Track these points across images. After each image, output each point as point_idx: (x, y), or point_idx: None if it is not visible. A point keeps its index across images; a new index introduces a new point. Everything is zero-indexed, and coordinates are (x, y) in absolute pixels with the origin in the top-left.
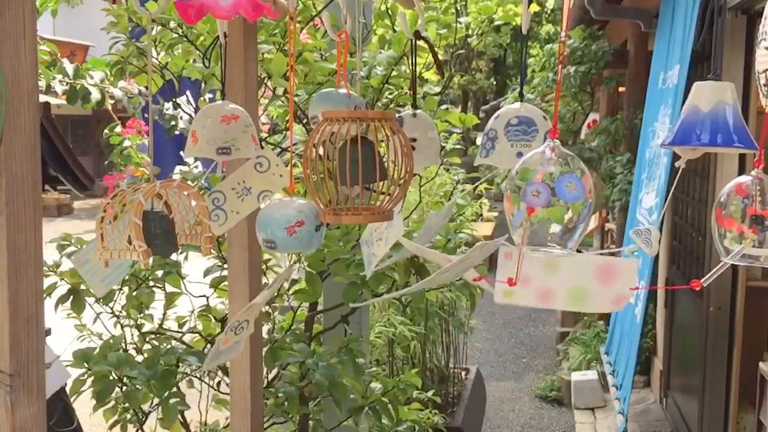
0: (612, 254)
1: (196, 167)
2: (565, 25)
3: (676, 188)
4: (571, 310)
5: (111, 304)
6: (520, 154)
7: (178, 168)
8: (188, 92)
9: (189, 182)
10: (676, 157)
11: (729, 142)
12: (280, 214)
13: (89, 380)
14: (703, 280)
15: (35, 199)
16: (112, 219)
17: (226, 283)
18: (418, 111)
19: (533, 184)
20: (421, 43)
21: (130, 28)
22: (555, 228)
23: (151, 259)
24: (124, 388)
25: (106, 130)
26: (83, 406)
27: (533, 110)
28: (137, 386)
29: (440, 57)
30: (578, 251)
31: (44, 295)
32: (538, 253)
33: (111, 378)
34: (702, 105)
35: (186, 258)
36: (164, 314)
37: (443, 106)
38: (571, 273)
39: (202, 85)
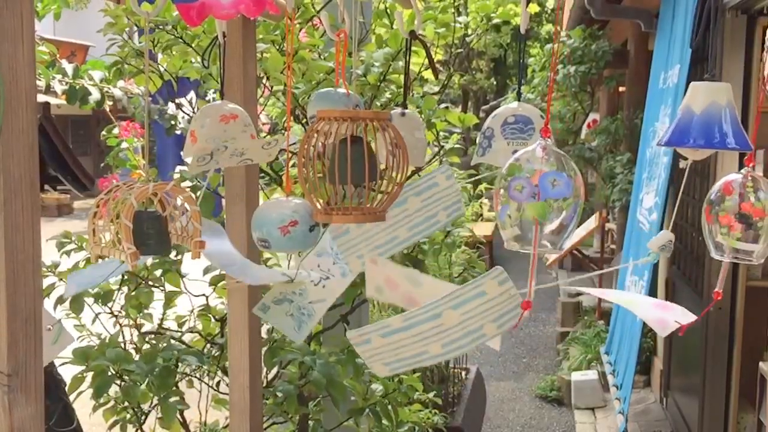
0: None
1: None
2: (564, 25)
3: (675, 187)
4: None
5: (110, 305)
6: (516, 153)
7: (178, 168)
8: (193, 92)
9: (187, 182)
10: (676, 156)
11: (723, 143)
12: (275, 214)
13: (88, 379)
14: (717, 288)
15: (33, 200)
16: (105, 216)
17: (225, 282)
18: (407, 111)
19: (517, 179)
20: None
21: (128, 29)
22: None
23: (149, 260)
24: (123, 384)
25: (103, 132)
26: (83, 406)
27: (530, 109)
28: (136, 382)
29: (440, 56)
30: (581, 252)
31: (43, 295)
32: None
33: (109, 374)
34: (697, 106)
35: (177, 253)
36: (164, 314)
37: (442, 105)
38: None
39: (201, 84)
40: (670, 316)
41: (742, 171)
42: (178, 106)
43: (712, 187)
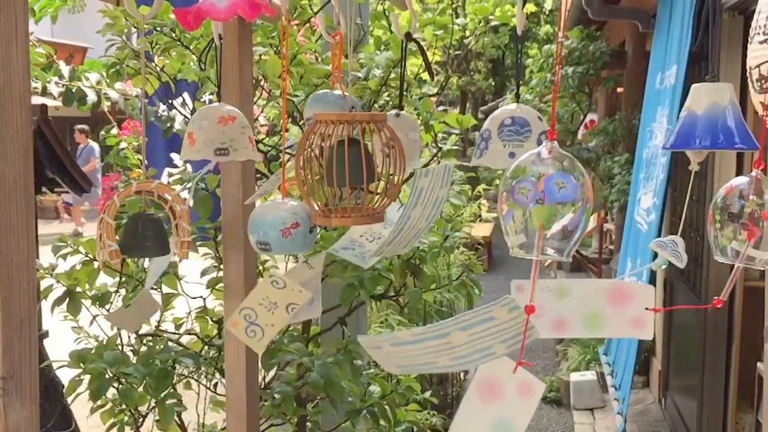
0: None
1: (184, 169)
2: (563, 25)
3: (673, 188)
4: (588, 337)
5: (107, 306)
6: (512, 154)
7: (166, 170)
8: (185, 94)
9: (184, 182)
10: (674, 157)
11: (731, 143)
12: (272, 216)
13: (86, 382)
14: (722, 295)
15: (28, 202)
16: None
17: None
18: (401, 112)
19: (522, 181)
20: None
21: (126, 30)
22: (553, 230)
23: (147, 261)
24: (120, 387)
25: (102, 132)
26: (81, 408)
27: (528, 111)
28: (133, 385)
29: (437, 58)
30: (579, 253)
31: (40, 298)
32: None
33: (107, 376)
34: (700, 107)
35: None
36: (161, 316)
37: (440, 108)
38: (583, 299)
39: (199, 86)
40: (636, 307)
41: (753, 173)
42: (172, 107)
43: (718, 191)
